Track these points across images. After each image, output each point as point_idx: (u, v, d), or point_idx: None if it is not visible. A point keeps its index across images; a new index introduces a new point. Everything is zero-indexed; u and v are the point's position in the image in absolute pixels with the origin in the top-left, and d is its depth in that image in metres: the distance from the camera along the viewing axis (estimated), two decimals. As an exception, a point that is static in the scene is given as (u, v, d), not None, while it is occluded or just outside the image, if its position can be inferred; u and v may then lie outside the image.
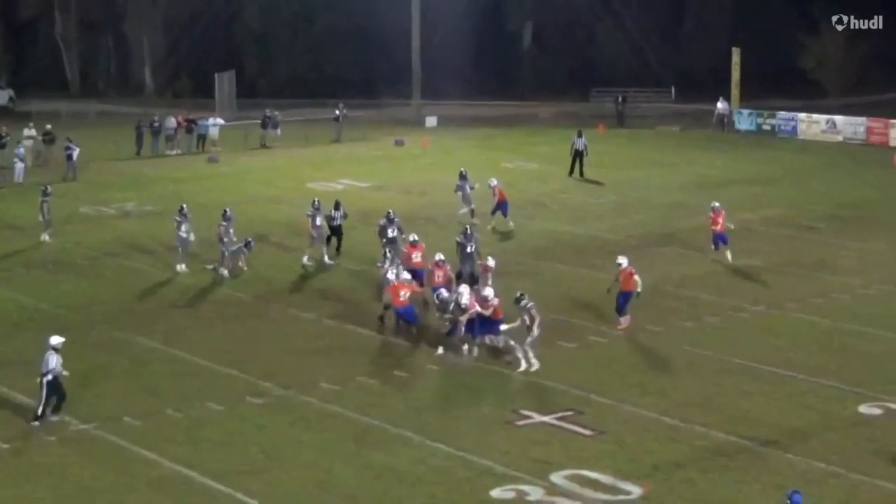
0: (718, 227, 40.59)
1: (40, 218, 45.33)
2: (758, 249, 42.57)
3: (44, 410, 26.64)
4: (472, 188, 47.54)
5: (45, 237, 45.01)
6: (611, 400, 27.76)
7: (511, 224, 46.31)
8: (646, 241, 44.28)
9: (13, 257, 42.93)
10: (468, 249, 37.51)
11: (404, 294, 32.45)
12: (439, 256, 35.18)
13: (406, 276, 33.37)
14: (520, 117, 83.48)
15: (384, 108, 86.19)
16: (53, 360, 26.54)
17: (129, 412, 27.34)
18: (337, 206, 42.48)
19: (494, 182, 47.14)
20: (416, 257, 36.24)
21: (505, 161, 63.03)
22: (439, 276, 34.60)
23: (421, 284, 34.69)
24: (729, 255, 40.49)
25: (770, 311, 35.23)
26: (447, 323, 31.34)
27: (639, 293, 32.97)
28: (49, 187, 46.56)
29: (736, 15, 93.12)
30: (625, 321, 33.09)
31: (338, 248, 42.26)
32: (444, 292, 32.17)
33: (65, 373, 26.76)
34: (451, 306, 31.12)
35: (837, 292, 36.83)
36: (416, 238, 37.25)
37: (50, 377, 26.49)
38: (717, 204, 41.20)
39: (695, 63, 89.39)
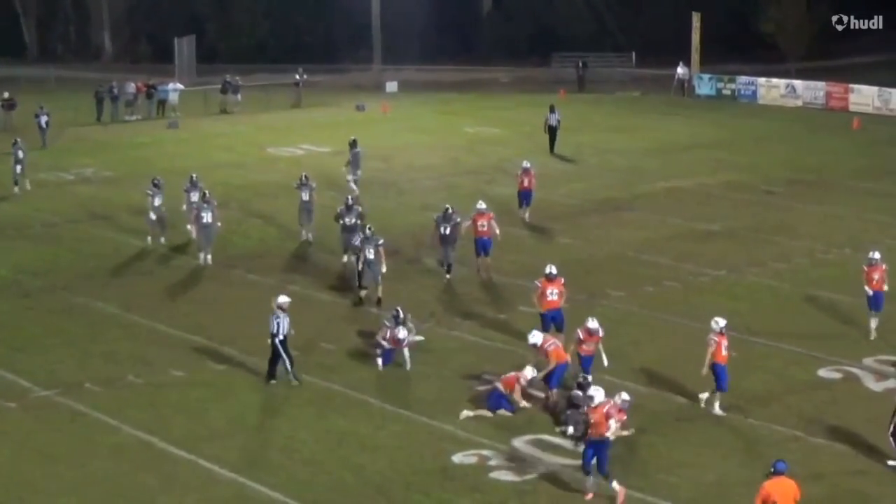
0: (874, 285, 30.12)
1: (17, 171, 46.16)
2: (717, 214, 42.68)
3: (292, 369, 27.04)
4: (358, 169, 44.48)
5: (25, 187, 46.40)
6: (572, 364, 27.81)
7: (527, 216, 41.90)
8: (606, 206, 44.31)
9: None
10: (444, 231, 34.49)
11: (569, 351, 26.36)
12: (551, 269, 29.15)
13: (556, 342, 26.60)
14: (480, 82, 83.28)
15: (345, 73, 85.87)
16: (277, 322, 26.79)
17: (89, 378, 27.27)
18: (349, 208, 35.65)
19: (527, 164, 42.09)
20: (552, 294, 28.84)
21: (465, 126, 62.97)
22: (552, 293, 28.82)
23: (560, 330, 28.42)
24: (873, 325, 30.19)
25: (730, 276, 35.35)
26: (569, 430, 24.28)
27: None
28: (18, 139, 47.40)
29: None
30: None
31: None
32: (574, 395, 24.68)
33: (291, 331, 26.97)
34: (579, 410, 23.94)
35: (797, 256, 36.96)
36: (555, 271, 29.18)
37: (281, 337, 26.76)
38: (876, 255, 30.36)
39: (655, 28, 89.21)
